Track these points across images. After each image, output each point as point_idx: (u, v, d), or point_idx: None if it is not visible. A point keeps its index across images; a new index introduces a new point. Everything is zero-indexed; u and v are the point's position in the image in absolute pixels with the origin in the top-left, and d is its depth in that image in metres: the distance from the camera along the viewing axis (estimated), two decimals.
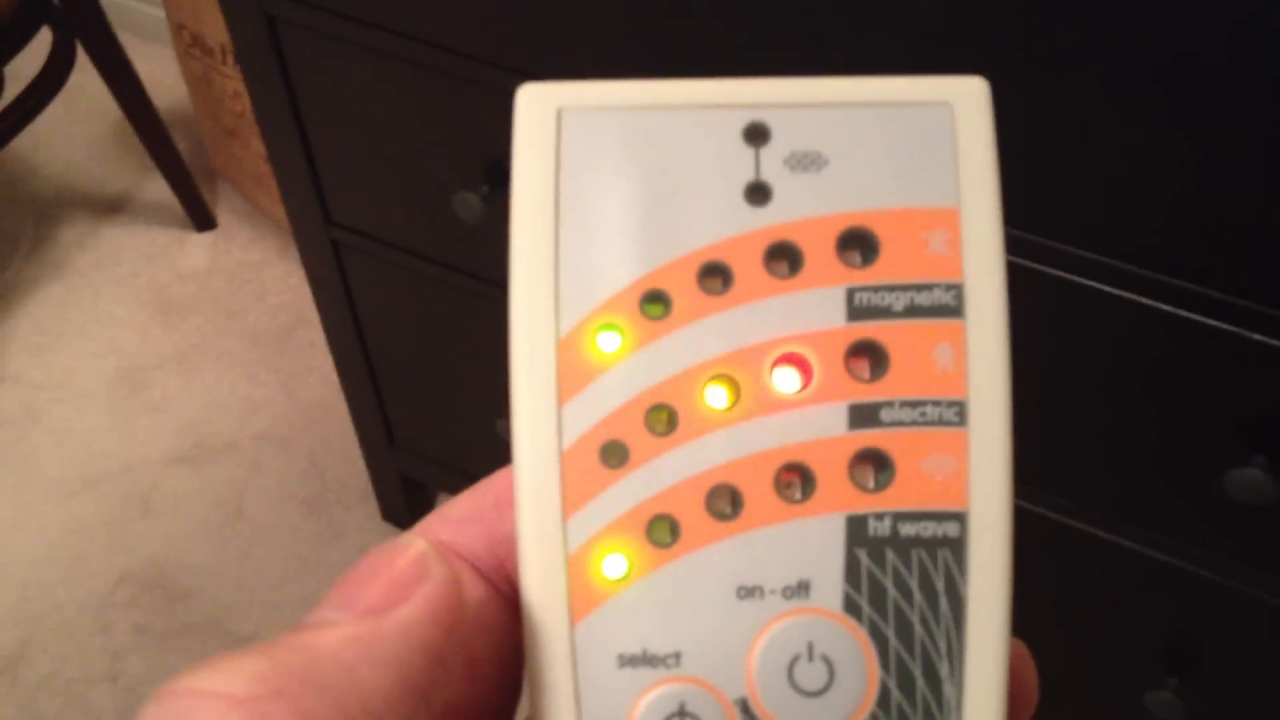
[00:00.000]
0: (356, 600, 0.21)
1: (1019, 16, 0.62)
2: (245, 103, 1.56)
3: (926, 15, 0.65)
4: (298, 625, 0.20)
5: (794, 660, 0.21)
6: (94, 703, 1.34)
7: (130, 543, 1.46)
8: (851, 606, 0.21)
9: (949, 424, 0.21)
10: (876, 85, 0.22)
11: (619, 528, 0.21)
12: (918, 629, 0.21)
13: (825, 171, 0.22)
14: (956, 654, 0.21)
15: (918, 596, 0.21)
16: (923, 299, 0.22)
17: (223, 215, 1.83)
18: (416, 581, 0.21)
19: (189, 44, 1.61)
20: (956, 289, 0.22)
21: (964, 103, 0.22)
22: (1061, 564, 0.88)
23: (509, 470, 0.22)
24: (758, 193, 0.22)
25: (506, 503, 0.23)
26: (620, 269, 0.22)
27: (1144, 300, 0.69)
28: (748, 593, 0.21)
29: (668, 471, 0.21)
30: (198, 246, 1.79)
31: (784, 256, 0.22)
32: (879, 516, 0.21)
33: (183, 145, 1.79)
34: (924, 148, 0.22)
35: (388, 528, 1.47)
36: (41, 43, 1.55)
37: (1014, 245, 0.70)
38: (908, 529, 0.21)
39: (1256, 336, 0.67)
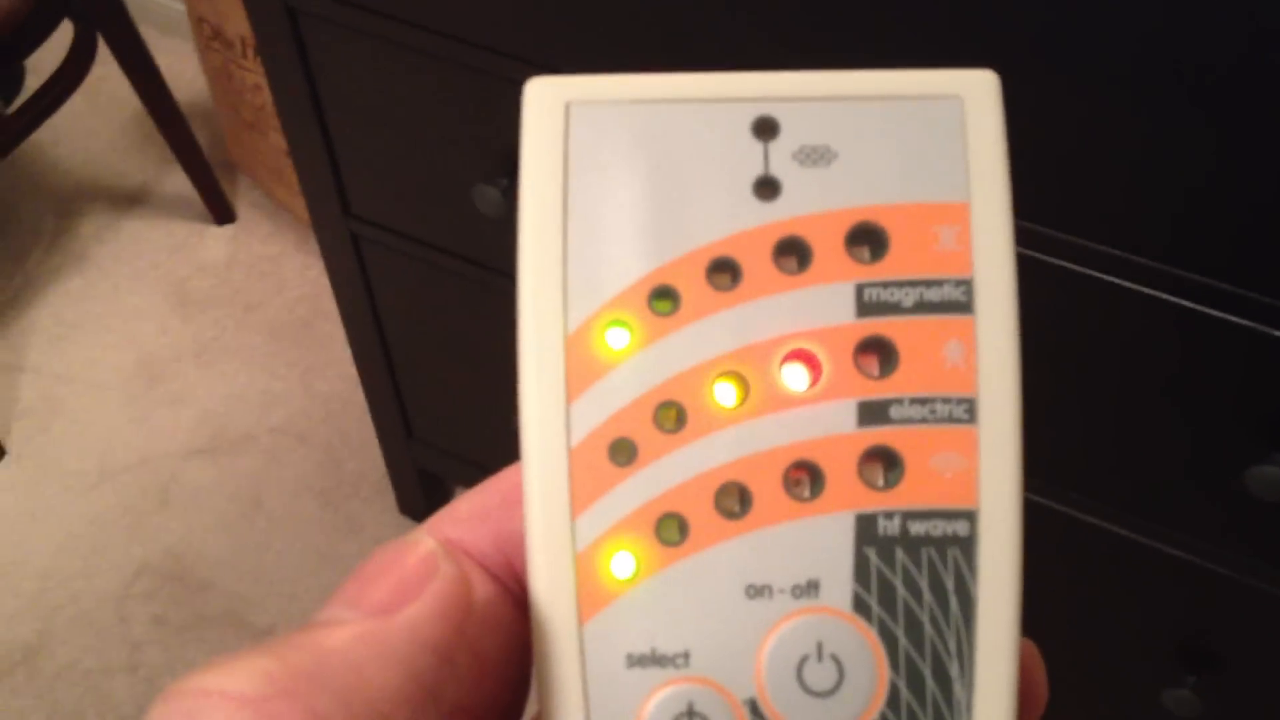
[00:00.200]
0: (365, 599, 0.21)
1: (1044, 6, 0.62)
2: (265, 96, 1.56)
3: (944, 3, 0.65)
4: (306, 624, 0.20)
5: (803, 660, 0.21)
6: (112, 693, 1.35)
7: (149, 534, 1.47)
8: (861, 606, 0.21)
9: (959, 421, 0.21)
10: (886, 78, 0.22)
11: (627, 526, 0.21)
12: (927, 628, 0.21)
13: (834, 166, 0.22)
14: (966, 654, 0.21)
15: (927, 596, 0.21)
16: (932, 295, 0.21)
17: (242, 208, 1.83)
18: (425, 580, 0.21)
19: (209, 37, 1.61)
20: (966, 285, 0.21)
21: (974, 96, 0.22)
22: (1080, 560, 0.87)
23: (517, 468, 0.22)
24: (766, 187, 0.22)
25: (515, 501, 0.22)
26: (628, 264, 0.22)
27: (1164, 295, 0.69)
28: (757, 592, 0.21)
29: (676, 469, 0.21)
30: (217, 239, 1.80)
31: (793, 252, 0.22)
32: (888, 515, 0.21)
33: (202, 138, 1.79)
34: (934, 142, 0.22)
35: (404, 520, 1.47)
36: (63, 36, 1.55)
37: (1033, 239, 0.70)
38: (917, 527, 0.21)
39: (1278, 333, 0.66)
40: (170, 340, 1.67)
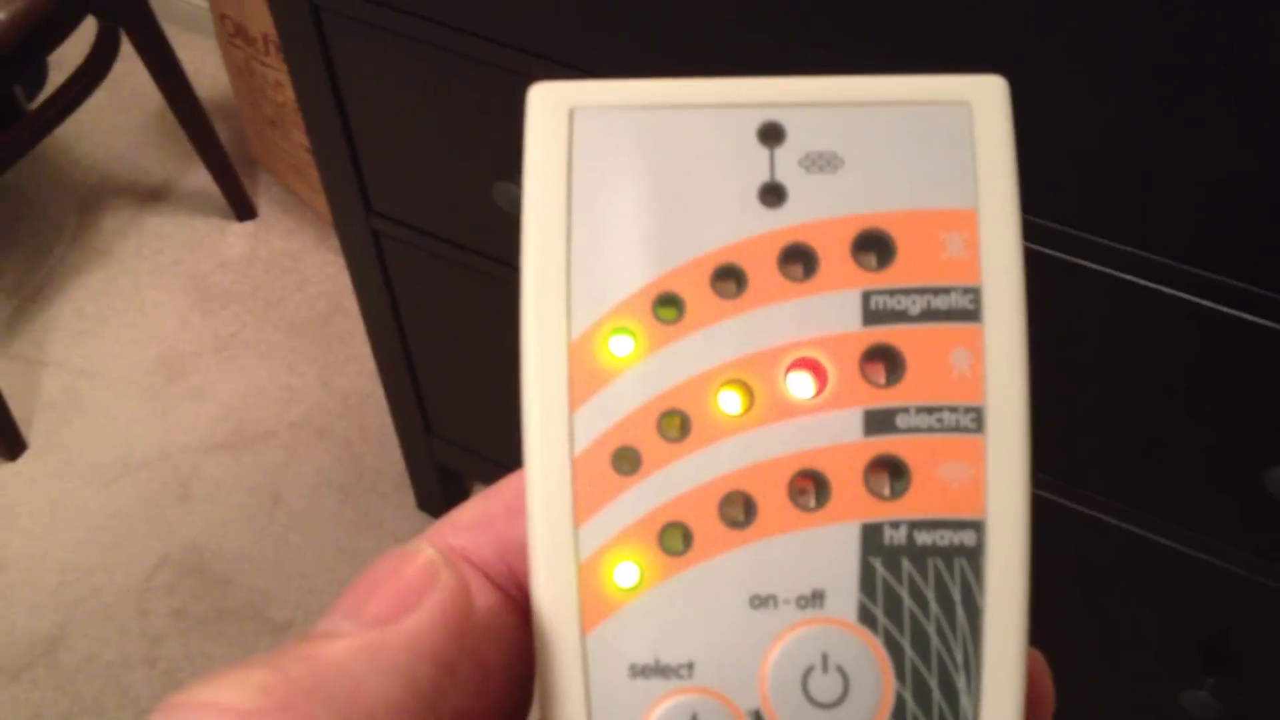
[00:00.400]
0: (364, 609, 0.20)
1: (1063, 4, 0.62)
2: (287, 92, 1.57)
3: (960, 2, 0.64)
4: (305, 636, 0.20)
5: (808, 671, 0.21)
6: (132, 687, 1.35)
7: (169, 529, 1.48)
8: (866, 617, 0.21)
9: (966, 430, 0.21)
10: (893, 84, 0.22)
11: (631, 535, 0.21)
12: (934, 640, 0.21)
13: (841, 172, 0.21)
14: (973, 665, 0.21)
15: (934, 607, 0.21)
16: (939, 303, 0.21)
17: (263, 204, 1.84)
18: (425, 590, 0.21)
19: (231, 34, 1.62)
20: (974, 292, 0.21)
21: (983, 102, 0.22)
22: (1098, 561, 0.87)
23: (520, 475, 0.22)
24: (772, 194, 0.21)
25: (518, 509, 0.22)
26: (633, 271, 0.21)
27: (1183, 295, 0.68)
28: (761, 602, 0.21)
29: (680, 478, 0.21)
30: (238, 235, 1.80)
31: (799, 259, 0.21)
32: (895, 525, 0.21)
33: (224, 135, 1.80)
34: (941, 148, 0.21)
35: (423, 516, 1.47)
36: (86, 31, 1.56)
37: (1053, 237, 0.69)
38: (924, 537, 0.21)
39: None
40: (191, 335, 1.68)
